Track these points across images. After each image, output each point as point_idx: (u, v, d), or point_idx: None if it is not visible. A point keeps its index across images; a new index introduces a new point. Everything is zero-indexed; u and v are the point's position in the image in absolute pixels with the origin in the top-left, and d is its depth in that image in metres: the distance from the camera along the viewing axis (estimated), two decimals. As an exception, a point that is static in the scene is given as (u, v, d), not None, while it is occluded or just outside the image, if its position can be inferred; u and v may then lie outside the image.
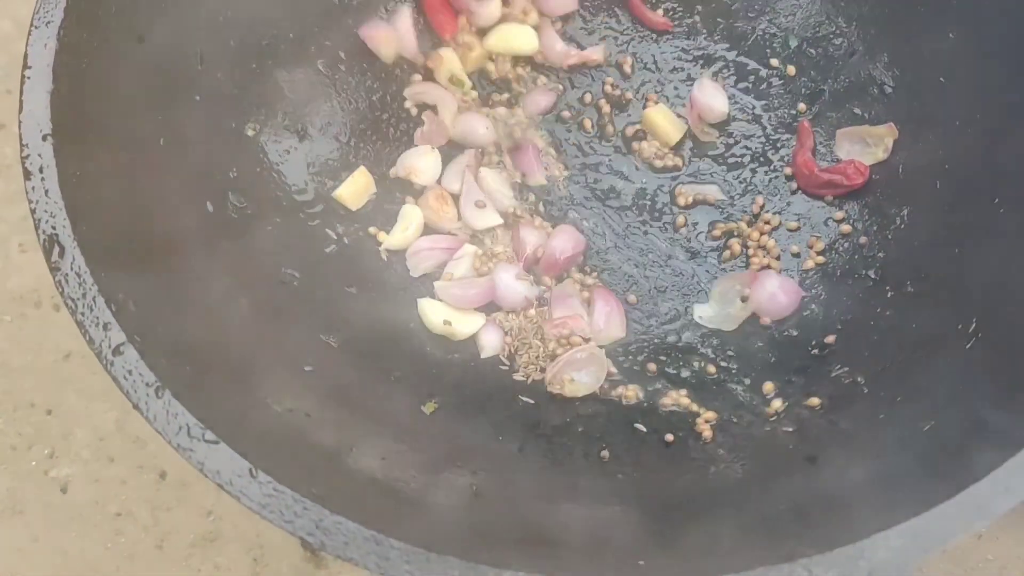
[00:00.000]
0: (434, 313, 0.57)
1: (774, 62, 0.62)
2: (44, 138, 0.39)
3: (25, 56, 0.41)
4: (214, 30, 0.51)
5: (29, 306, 0.79)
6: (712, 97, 0.63)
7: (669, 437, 0.49)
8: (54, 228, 0.37)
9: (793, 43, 0.62)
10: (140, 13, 0.46)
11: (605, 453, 0.48)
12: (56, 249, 0.37)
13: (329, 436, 0.41)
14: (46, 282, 0.80)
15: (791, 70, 0.62)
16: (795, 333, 0.52)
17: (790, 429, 0.47)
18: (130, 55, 0.46)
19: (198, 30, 0.50)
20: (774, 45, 0.62)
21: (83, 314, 0.36)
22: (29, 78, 0.40)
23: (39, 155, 0.39)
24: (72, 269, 0.36)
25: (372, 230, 0.58)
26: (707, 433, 0.49)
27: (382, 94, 0.63)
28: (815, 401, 0.49)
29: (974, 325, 0.44)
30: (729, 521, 0.39)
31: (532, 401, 0.51)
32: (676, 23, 0.64)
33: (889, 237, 0.53)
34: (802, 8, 0.61)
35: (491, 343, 0.58)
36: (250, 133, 0.53)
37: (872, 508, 0.36)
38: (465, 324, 0.57)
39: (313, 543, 0.32)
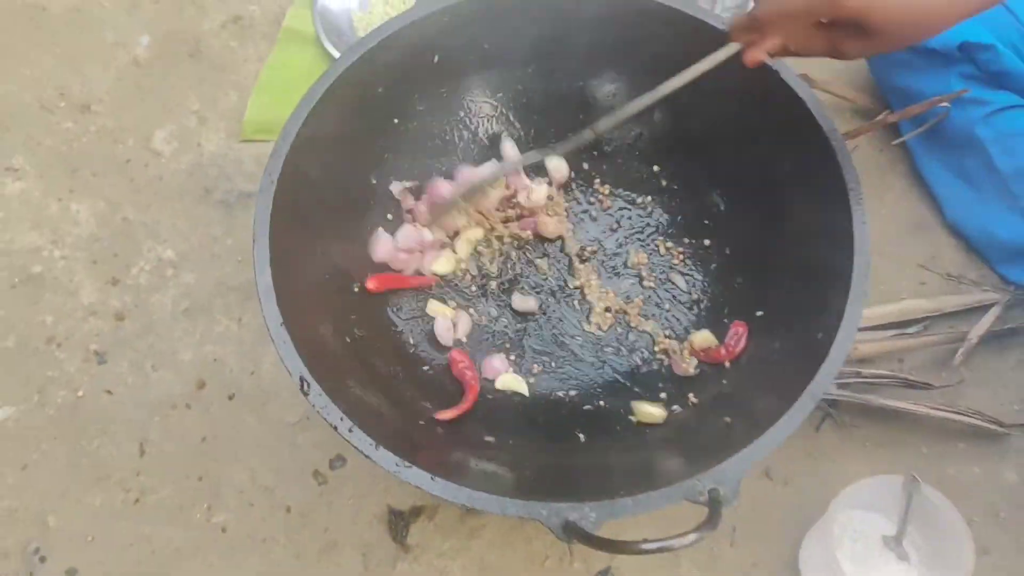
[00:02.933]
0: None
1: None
2: (280, 325, 0.72)
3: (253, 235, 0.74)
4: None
5: (168, 408, 1.11)
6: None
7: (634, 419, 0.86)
8: (302, 375, 0.71)
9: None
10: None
11: (581, 435, 0.85)
12: (304, 385, 0.70)
13: (445, 450, 0.75)
14: (177, 390, 1.12)
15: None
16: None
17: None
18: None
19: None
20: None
21: (329, 418, 0.69)
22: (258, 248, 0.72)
23: (279, 334, 0.72)
24: (318, 398, 0.70)
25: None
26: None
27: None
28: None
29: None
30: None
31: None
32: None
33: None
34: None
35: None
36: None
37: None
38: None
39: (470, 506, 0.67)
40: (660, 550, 0.59)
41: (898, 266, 1.20)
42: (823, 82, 1.24)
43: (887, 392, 1.10)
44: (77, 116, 1.29)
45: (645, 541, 0.60)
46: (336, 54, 1.31)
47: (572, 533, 0.65)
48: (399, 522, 1.05)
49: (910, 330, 1.14)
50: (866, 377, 1.09)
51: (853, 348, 1.09)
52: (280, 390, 1.11)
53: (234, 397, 1.11)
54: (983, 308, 1.15)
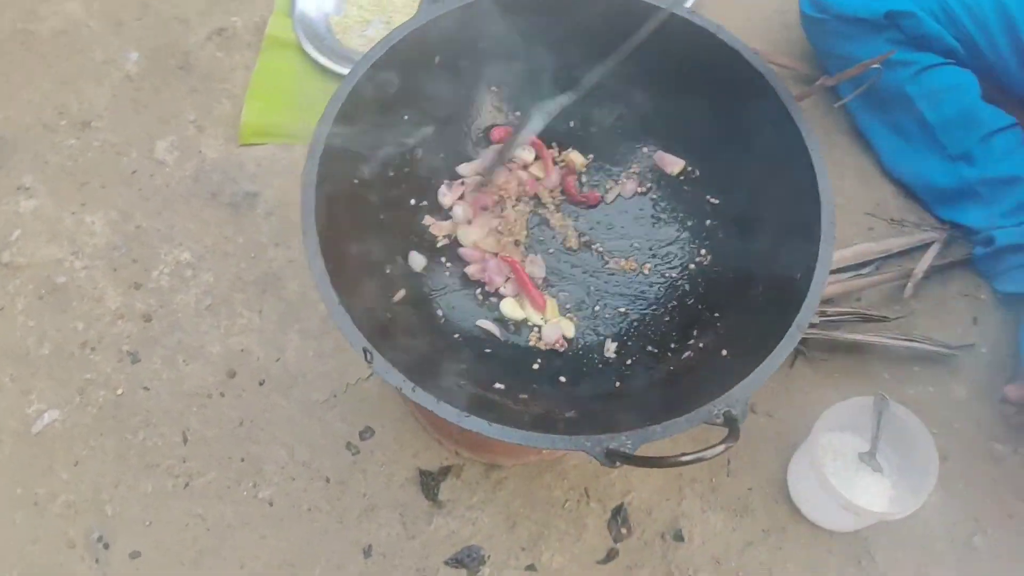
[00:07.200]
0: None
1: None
2: (338, 304, 0.82)
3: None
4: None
5: (204, 398, 1.20)
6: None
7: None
8: (364, 346, 0.81)
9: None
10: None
11: (562, 379, 0.96)
12: (367, 355, 0.80)
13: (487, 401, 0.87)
14: (210, 380, 1.21)
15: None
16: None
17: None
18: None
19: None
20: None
21: (393, 381, 0.79)
22: (306, 238, 0.82)
23: (339, 312, 0.82)
24: (381, 365, 0.80)
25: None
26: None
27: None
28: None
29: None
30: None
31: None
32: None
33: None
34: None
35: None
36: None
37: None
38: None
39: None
40: (696, 460, 0.71)
41: (848, 215, 1.34)
42: (765, 53, 1.37)
43: (849, 327, 1.24)
44: (79, 133, 1.36)
45: (683, 454, 0.72)
46: (317, 56, 1.40)
47: (615, 457, 0.76)
48: (430, 482, 1.16)
49: (864, 271, 1.29)
50: (830, 316, 1.23)
51: (818, 290, 1.24)
52: (306, 372, 1.21)
53: (264, 383, 1.20)
54: (925, 246, 1.30)
